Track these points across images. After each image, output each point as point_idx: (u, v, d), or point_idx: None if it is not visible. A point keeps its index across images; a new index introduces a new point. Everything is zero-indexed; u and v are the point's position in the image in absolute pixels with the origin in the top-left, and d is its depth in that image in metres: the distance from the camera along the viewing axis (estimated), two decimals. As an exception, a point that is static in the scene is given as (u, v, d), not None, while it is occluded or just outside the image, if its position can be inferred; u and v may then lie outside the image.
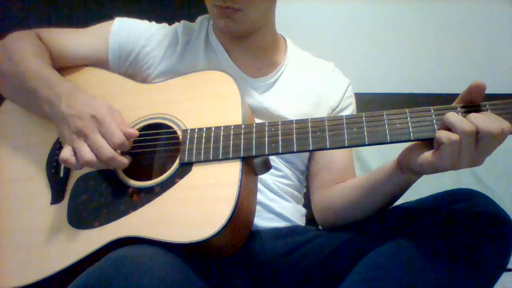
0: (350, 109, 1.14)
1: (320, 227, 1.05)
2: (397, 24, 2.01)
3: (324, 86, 1.12)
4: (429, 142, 0.75)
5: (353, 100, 1.16)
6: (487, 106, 0.74)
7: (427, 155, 0.74)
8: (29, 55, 0.96)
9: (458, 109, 0.75)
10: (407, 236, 0.79)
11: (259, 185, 0.96)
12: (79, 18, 1.86)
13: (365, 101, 1.87)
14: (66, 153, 0.83)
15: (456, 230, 0.75)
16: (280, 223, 1.01)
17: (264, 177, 0.99)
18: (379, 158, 1.75)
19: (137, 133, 0.87)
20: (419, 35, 2.00)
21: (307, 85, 1.11)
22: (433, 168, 0.74)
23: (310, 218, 1.09)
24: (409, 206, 0.85)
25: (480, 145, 0.70)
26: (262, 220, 0.99)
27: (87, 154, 0.82)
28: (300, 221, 1.07)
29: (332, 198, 0.99)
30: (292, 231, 0.98)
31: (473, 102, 0.75)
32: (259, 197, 0.99)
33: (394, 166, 0.83)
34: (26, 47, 0.98)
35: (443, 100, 1.86)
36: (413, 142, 0.78)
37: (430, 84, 1.98)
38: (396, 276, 0.76)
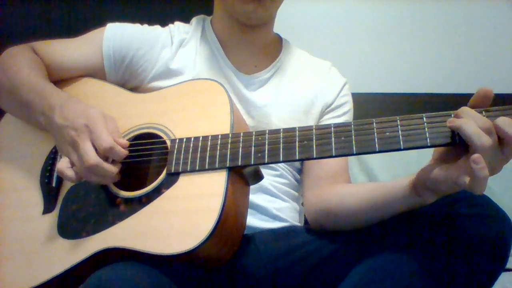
0: (347, 107, 1.13)
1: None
2: (397, 24, 2.00)
3: (319, 84, 1.11)
4: (446, 159, 0.71)
5: (349, 98, 1.14)
6: (483, 113, 0.68)
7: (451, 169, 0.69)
8: (24, 69, 0.97)
9: (452, 116, 0.70)
10: (406, 237, 0.78)
11: (256, 187, 0.95)
12: (79, 18, 1.86)
13: (365, 101, 1.87)
14: (62, 165, 0.84)
15: (455, 229, 0.75)
16: (275, 224, 1.01)
17: None
18: (379, 157, 1.76)
19: (126, 143, 0.86)
20: (419, 35, 1.99)
21: (303, 81, 1.10)
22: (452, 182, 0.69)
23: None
24: None
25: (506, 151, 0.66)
26: (257, 221, 0.99)
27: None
28: (297, 220, 1.07)
29: (328, 201, 0.96)
30: (288, 232, 0.97)
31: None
32: (255, 199, 0.99)
33: (409, 188, 0.77)
34: (21, 61, 0.99)
35: (443, 100, 1.87)
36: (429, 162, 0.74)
37: (430, 84, 1.97)
38: (395, 278, 0.76)
